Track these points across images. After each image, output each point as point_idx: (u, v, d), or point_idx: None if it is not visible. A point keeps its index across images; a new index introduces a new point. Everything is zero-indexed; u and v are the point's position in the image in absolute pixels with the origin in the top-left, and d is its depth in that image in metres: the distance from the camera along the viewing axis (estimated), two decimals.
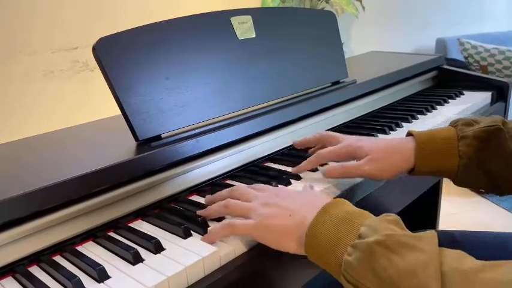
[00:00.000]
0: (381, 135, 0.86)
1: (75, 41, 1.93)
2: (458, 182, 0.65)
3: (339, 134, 0.71)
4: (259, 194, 0.55)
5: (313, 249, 0.47)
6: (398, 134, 0.87)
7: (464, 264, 0.37)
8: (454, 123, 0.67)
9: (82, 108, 1.84)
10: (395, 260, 0.39)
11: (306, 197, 0.54)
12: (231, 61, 0.77)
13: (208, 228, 0.53)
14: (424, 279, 0.37)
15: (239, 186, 0.59)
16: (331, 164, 0.70)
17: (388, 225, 0.43)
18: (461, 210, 2.14)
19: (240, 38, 0.79)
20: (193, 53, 0.71)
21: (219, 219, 0.57)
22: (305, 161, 0.68)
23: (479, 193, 2.26)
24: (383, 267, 0.39)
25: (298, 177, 0.68)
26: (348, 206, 0.49)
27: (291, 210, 0.50)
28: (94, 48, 0.61)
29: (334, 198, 0.51)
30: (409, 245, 0.40)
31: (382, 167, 0.63)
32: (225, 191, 0.59)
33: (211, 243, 0.52)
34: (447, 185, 2.32)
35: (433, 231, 0.42)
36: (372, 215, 0.47)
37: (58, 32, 1.87)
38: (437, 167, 0.64)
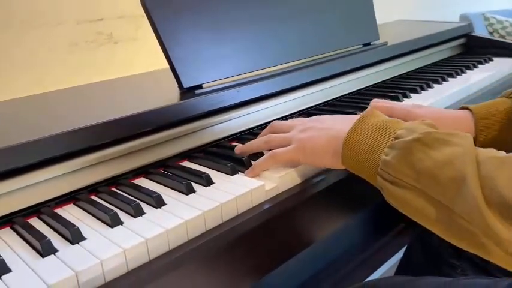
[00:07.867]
0: (413, 95, 0.87)
1: (99, 12, 1.94)
2: None
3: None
4: (297, 123, 0.57)
5: (350, 157, 0.48)
6: (430, 94, 0.88)
7: (499, 153, 0.39)
8: (509, 95, 0.65)
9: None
10: (432, 154, 0.41)
11: (343, 117, 0.57)
12: (268, 18, 0.78)
13: (253, 163, 0.56)
14: (460, 166, 0.38)
15: (276, 121, 0.61)
16: None
17: (425, 126, 0.45)
18: None
19: None
20: (234, 7, 0.73)
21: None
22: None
23: None
24: (420, 160, 0.41)
25: None
26: (384, 116, 0.50)
27: (327, 129, 0.53)
28: None
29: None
30: (446, 140, 0.42)
31: None
32: (264, 131, 0.61)
33: (255, 176, 0.54)
34: None
35: (467, 133, 0.42)
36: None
37: (83, 2, 1.89)
38: (499, 138, 0.63)
